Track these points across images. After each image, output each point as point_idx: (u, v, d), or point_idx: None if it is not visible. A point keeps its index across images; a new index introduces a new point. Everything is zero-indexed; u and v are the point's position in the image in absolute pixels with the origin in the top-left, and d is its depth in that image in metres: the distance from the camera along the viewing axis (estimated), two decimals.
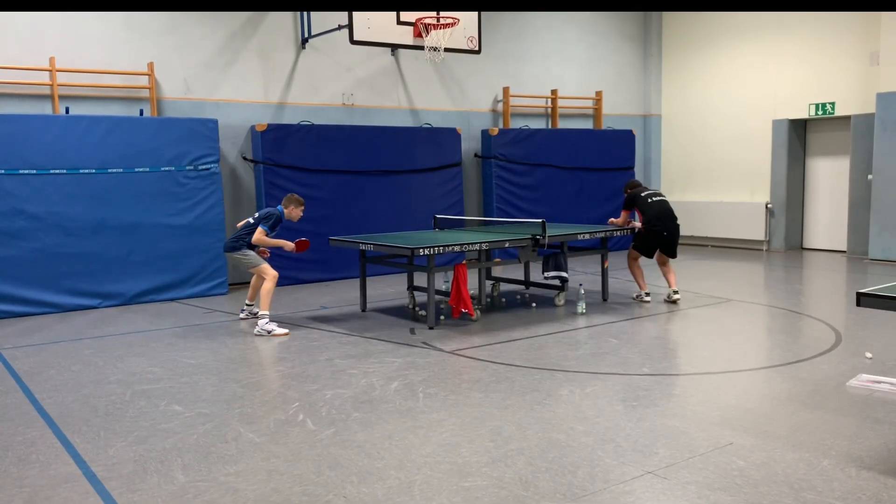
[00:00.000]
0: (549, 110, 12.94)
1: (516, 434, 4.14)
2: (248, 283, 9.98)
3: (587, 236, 8.01)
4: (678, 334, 6.84)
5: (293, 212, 7.32)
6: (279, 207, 7.36)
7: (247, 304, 7.67)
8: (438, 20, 9.35)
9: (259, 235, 7.11)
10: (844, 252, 11.87)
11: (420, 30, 9.41)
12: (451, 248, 6.90)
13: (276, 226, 7.25)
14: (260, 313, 6.95)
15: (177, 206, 8.81)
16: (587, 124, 13.46)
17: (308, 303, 8.47)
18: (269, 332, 6.80)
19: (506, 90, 12.15)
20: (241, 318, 7.60)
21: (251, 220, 7.30)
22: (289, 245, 7.24)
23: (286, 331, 6.86)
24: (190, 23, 9.45)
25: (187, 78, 9.50)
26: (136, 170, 8.56)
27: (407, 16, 9.38)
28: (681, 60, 14.00)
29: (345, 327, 7.10)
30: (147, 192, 8.61)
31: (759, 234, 12.81)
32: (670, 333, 6.87)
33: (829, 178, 12.47)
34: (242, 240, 7.20)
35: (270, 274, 7.08)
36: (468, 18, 9.77)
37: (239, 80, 9.88)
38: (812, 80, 12.11)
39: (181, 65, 9.43)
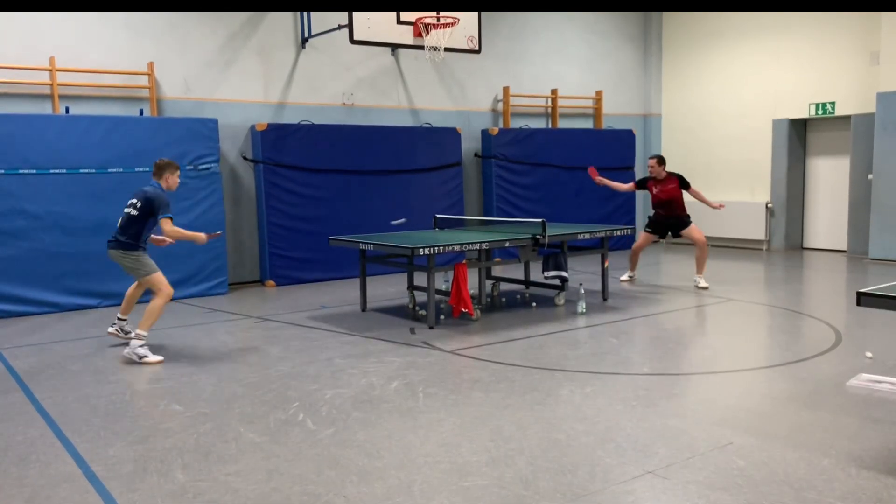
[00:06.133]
0: (549, 110, 12.93)
1: (516, 434, 4.14)
2: (250, 282, 10.06)
3: (587, 236, 8.01)
4: (678, 334, 6.84)
5: (170, 180, 6.13)
6: (154, 183, 6.08)
7: (118, 318, 6.48)
8: (438, 20, 9.35)
9: (170, 227, 5.90)
10: (844, 252, 11.87)
11: (420, 30, 9.41)
12: (451, 247, 6.90)
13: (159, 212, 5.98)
14: (137, 333, 5.88)
15: (177, 206, 8.72)
16: (587, 124, 13.46)
17: (308, 303, 8.47)
18: (140, 358, 5.80)
19: (506, 90, 12.15)
20: (110, 333, 6.50)
21: (132, 210, 5.96)
22: (202, 238, 6.11)
23: (160, 358, 5.88)
24: (190, 23, 9.45)
25: (187, 78, 9.49)
26: (136, 170, 8.55)
27: (407, 16, 9.38)
28: (681, 60, 13.99)
29: (345, 327, 7.10)
30: None
31: (759, 233, 12.81)
32: (670, 333, 6.87)
33: (829, 177, 12.47)
34: (132, 237, 5.95)
35: (165, 291, 5.96)
36: (468, 18, 9.77)
37: (239, 79, 9.88)
38: (812, 80, 12.11)
39: (181, 65, 9.43)
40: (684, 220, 9.18)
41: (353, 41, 9.14)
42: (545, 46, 12.81)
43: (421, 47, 9.53)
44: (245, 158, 9.90)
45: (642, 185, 9.45)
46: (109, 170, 8.40)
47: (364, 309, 7.89)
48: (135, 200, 6.01)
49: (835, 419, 4.29)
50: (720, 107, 13.40)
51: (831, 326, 6.71)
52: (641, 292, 8.76)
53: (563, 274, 7.85)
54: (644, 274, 10.12)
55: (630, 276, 9.51)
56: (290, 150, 9.81)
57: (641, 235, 9.52)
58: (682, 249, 13.10)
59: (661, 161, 9.14)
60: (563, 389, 4.94)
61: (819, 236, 12.69)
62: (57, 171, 8.12)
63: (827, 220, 12.52)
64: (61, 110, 8.49)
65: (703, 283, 8.92)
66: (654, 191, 9.18)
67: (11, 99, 8.41)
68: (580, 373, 5.36)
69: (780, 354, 5.87)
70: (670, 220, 9.20)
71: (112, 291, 8.42)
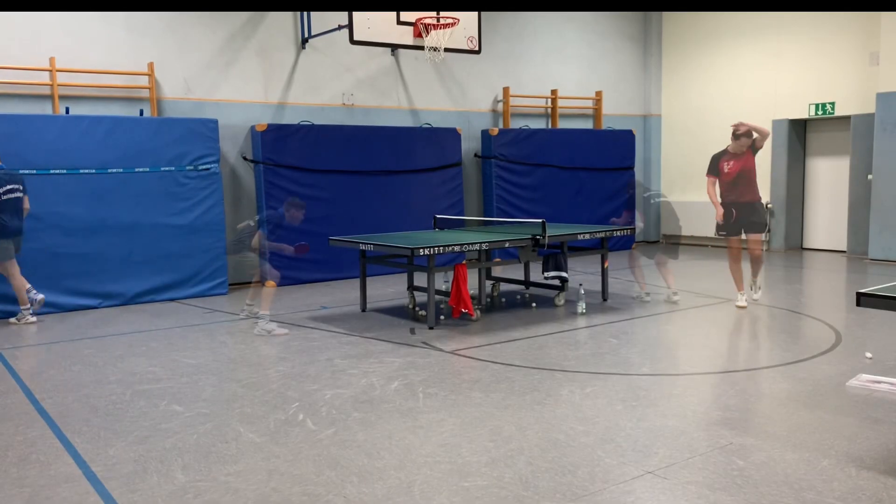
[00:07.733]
0: (549, 110, 12.93)
1: (516, 434, 4.14)
2: (249, 283, 10.04)
3: (587, 236, 8.01)
4: (678, 334, 6.84)
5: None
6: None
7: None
8: (438, 20, 9.35)
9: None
10: (844, 252, 11.87)
11: (420, 30, 9.41)
12: (451, 248, 6.90)
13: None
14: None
15: (177, 206, 8.80)
16: (587, 124, 13.46)
17: (308, 303, 8.47)
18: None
19: (506, 90, 12.15)
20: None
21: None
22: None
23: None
24: (190, 23, 9.45)
25: (187, 78, 9.49)
26: (136, 170, 8.56)
27: (407, 16, 9.38)
28: (681, 60, 14.00)
29: (345, 327, 7.10)
30: (147, 192, 8.61)
31: None
32: (670, 333, 6.87)
33: (829, 178, 12.47)
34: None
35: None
36: (468, 18, 9.77)
37: (239, 80, 9.88)
38: (812, 80, 12.11)
39: (181, 65, 9.43)
40: (759, 210, 7.59)
41: (353, 41, 9.14)
42: (545, 46, 12.81)
43: (421, 48, 9.53)
44: (245, 159, 9.90)
45: (714, 170, 7.61)
46: (109, 170, 8.40)
47: (364, 309, 7.89)
48: (18, 186, 7.42)
49: (834, 419, 4.29)
50: (720, 107, 13.39)
51: (831, 327, 6.71)
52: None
53: (563, 274, 7.85)
54: (644, 275, 10.12)
55: (747, 296, 7.80)
56: (290, 151, 9.81)
57: (728, 244, 7.83)
58: (681, 250, 13.08)
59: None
60: (562, 390, 4.94)
61: (819, 236, 12.69)
62: (57, 171, 8.12)
63: (827, 221, 12.52)
64: (61, 111, 8.49)
65: (755, 295, 7.83)
66: (726, 168, 7.49)
67: (12, 99, 8.41)
68: (580, 373, 5.37)
69: (779, 354, 5.87)
70: (744, 209, 7.51)
71: (112, 292, 8.44)
